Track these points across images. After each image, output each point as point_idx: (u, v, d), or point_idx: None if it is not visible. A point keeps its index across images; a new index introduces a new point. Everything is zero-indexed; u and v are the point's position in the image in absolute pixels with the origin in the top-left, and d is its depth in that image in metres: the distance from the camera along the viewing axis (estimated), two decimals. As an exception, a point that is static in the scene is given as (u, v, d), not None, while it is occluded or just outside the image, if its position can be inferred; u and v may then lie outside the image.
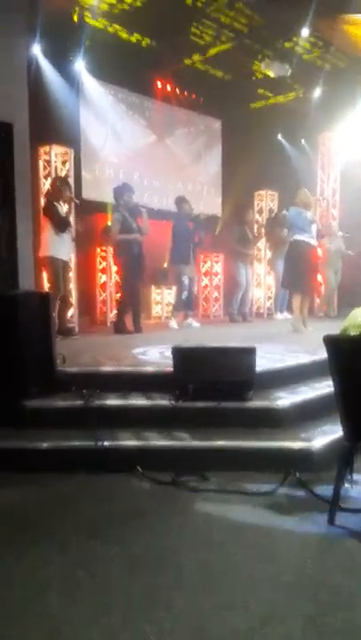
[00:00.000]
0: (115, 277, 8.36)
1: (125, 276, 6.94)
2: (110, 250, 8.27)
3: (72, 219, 6.87)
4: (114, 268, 8.37)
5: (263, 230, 9.79)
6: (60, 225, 6.39)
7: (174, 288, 8.15)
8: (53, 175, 7.34)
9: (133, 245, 6.73)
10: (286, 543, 2.50)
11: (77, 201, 6.97)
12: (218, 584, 2.16)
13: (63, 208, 6.59)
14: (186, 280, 7.70)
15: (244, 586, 2.15)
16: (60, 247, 6.45)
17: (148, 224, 6.95)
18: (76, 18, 7.35)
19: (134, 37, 8.07)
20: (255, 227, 9.58)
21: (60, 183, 6.69)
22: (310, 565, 2.34)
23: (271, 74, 8.48)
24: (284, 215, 7.65)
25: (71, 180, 7.42)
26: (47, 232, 6.41)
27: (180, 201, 7.90)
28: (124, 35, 7.91)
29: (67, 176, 7.41)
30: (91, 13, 7.38)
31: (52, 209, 6.41)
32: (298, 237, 6.77)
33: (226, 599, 2.06)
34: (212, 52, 8.39)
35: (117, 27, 7.75)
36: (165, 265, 8.86)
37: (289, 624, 1.91)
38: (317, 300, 9.70)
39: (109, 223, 8.27)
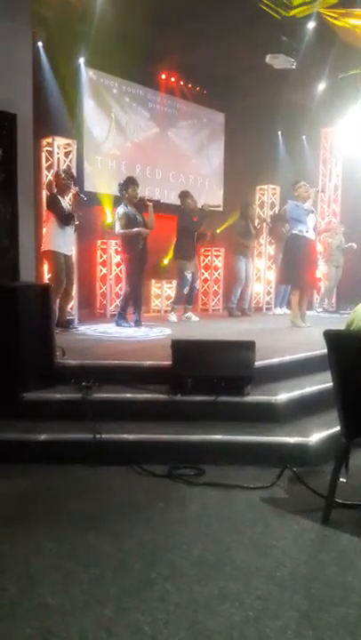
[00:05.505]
0: (115, 270, 8.34)
1: (130, 270, 6.86)
2: (111, 242, 8.25)
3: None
4: (114, 261, 8.34)
5: (266, 225, 9.78)
6: (66, 220, 6.31)
7: (175, 282, 8.14)
8: (56, 167, 7.28)
9: (139, 239, 6.68)
10: (282, 537, 2.51)
11: (84, 197, 6.81)
12: (213, 577, 2.17)
13: (67, 202, 6.52)
14: (189, 275, 7.69)
15: (239, 579, 2.16)
16: (63, 242, 6.36)
17: (154, 218, 6.90)
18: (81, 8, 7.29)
19: (138, 29, 8.00)
20: (256, 221, 9.57)
21: (66, 177, 6.55)
22: (305, 560, 2.35)
23: (276, 67, 8.43)
24: (284, 209, 7.64)
25: (73, 172, 7.38)
26: (50, 226, 6.31)
27: (183, 196, 7.87)
28: (128, 26, 7.85)
29: (70, 168, 7.34)
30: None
31: (57, 204, 6.29)
32: (296, 231, 6.75)
33: (220, 592, 2.07)
34: (218, 43, 8.32)
35: (122, 17, 7.68)
36: (165, 261, 8.89)
37: (283, 619, 1.92)
38: (317, 296, 9.70)
39: (110, 217, 8.25)
